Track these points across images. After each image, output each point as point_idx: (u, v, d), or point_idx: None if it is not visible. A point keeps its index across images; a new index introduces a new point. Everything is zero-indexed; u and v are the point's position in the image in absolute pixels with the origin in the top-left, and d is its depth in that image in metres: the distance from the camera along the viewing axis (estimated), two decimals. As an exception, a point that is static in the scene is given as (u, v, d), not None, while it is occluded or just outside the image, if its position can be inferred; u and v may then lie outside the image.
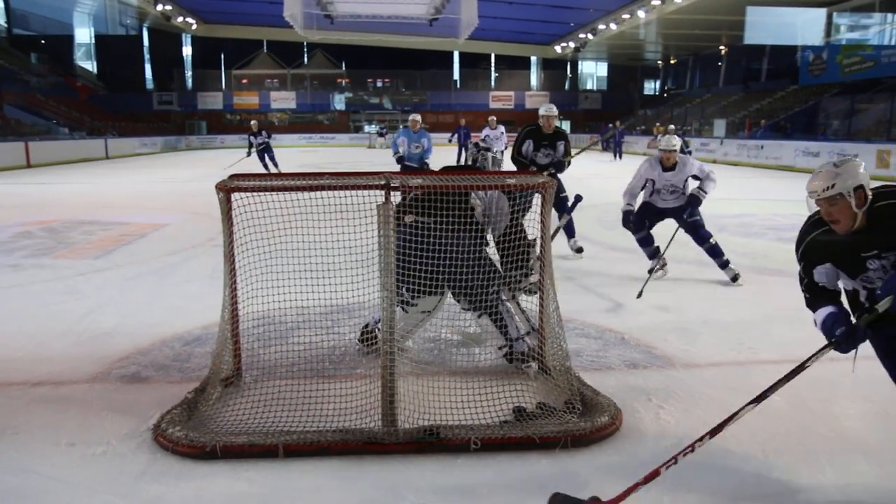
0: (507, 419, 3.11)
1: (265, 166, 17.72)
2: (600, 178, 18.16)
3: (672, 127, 21.69)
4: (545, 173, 5.67)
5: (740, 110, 34.73)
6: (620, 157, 27.32)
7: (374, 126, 45.94)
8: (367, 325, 4.13)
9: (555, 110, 7.34)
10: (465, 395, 3.21)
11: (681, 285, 6.00)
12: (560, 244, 6.77)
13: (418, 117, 10.52)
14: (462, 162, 21.72)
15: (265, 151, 17.89)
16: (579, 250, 7.32)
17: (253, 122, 18.68)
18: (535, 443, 2.91)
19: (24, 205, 12.35)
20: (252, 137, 17.95)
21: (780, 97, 33.71)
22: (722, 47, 41.91)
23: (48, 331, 4.64)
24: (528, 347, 3.81)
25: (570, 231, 7.29)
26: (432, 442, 2.90)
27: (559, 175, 6.93)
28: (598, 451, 2.93)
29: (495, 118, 16.04)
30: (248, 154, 18.12)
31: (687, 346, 4.29)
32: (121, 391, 3.59)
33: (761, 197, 13.49)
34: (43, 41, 46.66)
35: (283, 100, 49.95)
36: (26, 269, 6.70)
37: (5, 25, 44.60)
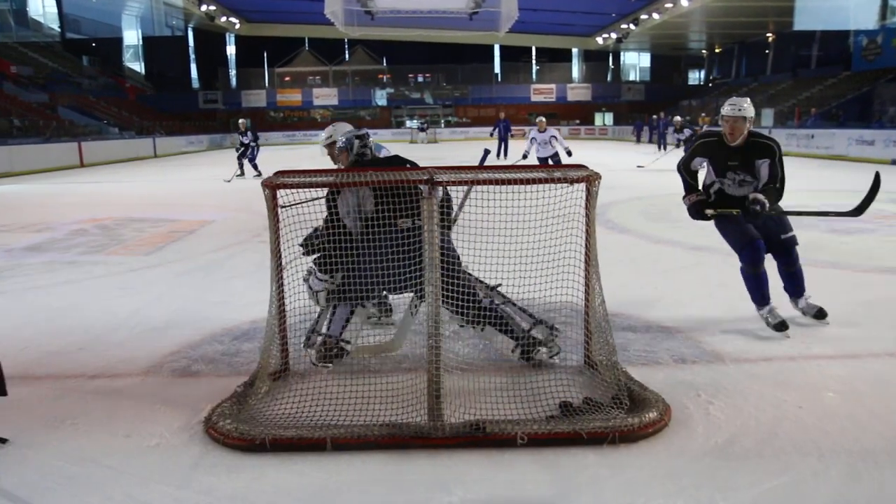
0: (554, 414, 3.09)
1: (240, 166, 17.12)
2: (645, 170, 17.92)
3: (678, 118, 21.04)
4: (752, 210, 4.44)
5: (789, 99, 33.89)
6: (665, 148, 26.81)
7: (415, 121, 46.03)
8: (317, 335, 3.85)
9: (746, 107, 4.43)
10: (511, 390, 3.21)
11: (730, 278, 5.89)
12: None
13: (543, 118, 10.90)
14: (504, 156, 21.68)
15: (246, 152, 17.29)
16: None
17: (241, 121, 17.91)
18: (581, 438, 2.89)
19: (79, 203, 12.70)
20: (242, 137, 17.40)
21: (832, 84, 32.82)
22: (769, 34, 40.94)
23: (103, 325, 4.76)
24: (535, 341, 3.80)
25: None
26: (478, 437, 2.90)
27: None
28: (647, 447, 2.89)
29: (544, 119, 14.41)
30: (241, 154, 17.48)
31: (737, 340, 4.21)
32: (172, 384, 3.67)
33: (812, 187, 13.15)
34: (94, 44, 47.91)
35: (325, 96, 50.39)
36: (82, 265, 6.88)
37: (59, 31, 45.90)
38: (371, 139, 4.23)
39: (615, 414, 3.04)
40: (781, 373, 3.68)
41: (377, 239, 3.51)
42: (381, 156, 4.28)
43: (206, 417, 3.15)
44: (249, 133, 17.52)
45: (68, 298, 5.61)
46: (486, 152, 5.99)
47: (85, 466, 2.79)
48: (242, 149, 17.51)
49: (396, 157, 4.21)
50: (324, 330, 3.86)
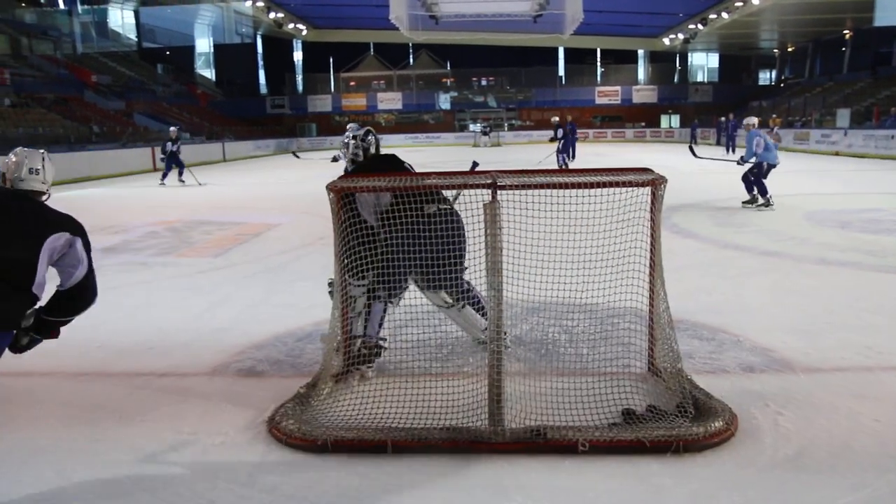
0: (616, 421, 3.04)
1: (164, 175, 17.38)
2: (712, 173, 17.50)
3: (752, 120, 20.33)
4: None
5: (867, 98, 32.58)
6: (734, 150, 26.08)
7: (478, 124, 46.08)
8: (364, 339, 3.82)
9: None
10: (573, 396, 3.17)
11: (801, 285, 5.70)
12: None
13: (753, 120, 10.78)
14: (571, 159, 21.58)
15: (173, 161, 17.24)
16: None
17: (172, 129, 18.05)
18: (645, 446, 2.83)
19: (151, 206, 13.15)
20: (170, 145, 17.20)
21: (914, 82, 31.38)
22: (846, 31, 39.44)
23: (172, 325, 4.91)
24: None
25: None
26: (539, 442, 2.87)
27: None
28: (713, 457, 2.81)
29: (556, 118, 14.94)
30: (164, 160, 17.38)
31: (808, 348, 4.06)
32: (238, 384, 3.76)
33: (891, 190, 12.62)
34: (168, 52, 49.63)
35: (390, 101, 50.88)
36: (153, 266, 7.12)
37: (136, 40, 47.76)
38: (371, 137, 4.27)
39: (679, 422, 2.97)
40: (856, 384, 3.54)
41: (400, 229, 3.58)
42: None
43: (269, 417, 3.21)
44: (180, 141, 17.68)
45: (141, 298, 5.81)
46: (475, 164, 5.60)
47: (153, 463, 2.88)
48: (168, 155, 17.29)
49: (392, 156, 4.23)
50: (360, 332, 3.84)
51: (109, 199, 15.12)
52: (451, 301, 4.03)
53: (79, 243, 3.04)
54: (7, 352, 2.88)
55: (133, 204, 13.89)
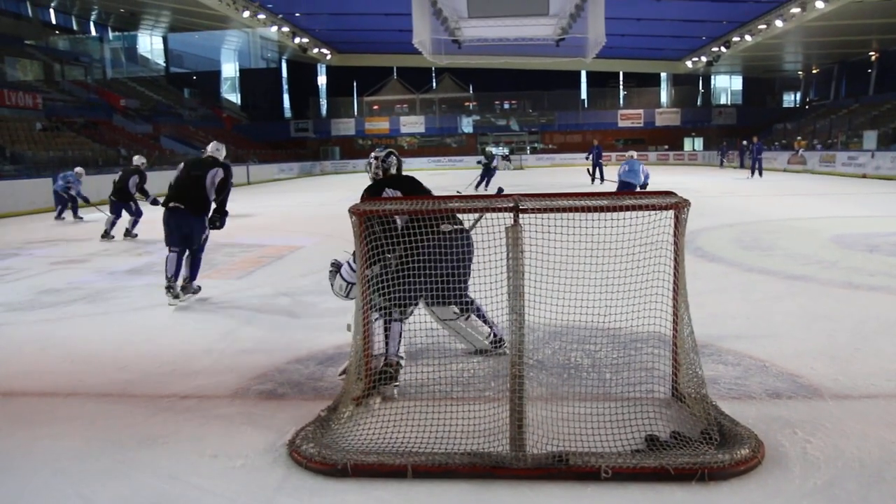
0: (640, 448, 2.99)
1: (59, 213, 15.58)
2: (736, 196, 17.36)
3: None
4: None
5: (894, 120, 32.24)
6: (761, 174, 25.92)
7: (500, 148, 46.26)
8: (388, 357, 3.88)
9: None
10: (596, 422, 3.12)
11: (829, 309, 5.60)
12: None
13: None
14: (600, 181, 21.73)
15: (68, 196, 15.35)
16: None
17: (78, 169, 15.86)
18: (669, 474, 2.78)
19: (176, 229, 13.28)
20: (72, 185, 15.30)
21: (942, 104, 31.03)
22: (872, 53, 39.18)
23: (195, 347, 4.94)
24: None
25: None
26: (561, 468, 2.83)
27: None
28: (739, 485, 2.75)
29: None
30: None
31: (837, 374, 3.98)
32: (259, 406, 3.76)
33: (919, 214, 12.43)
34: (194, 77, 50.56)
35: (413, 124, 51.28)
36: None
37: (164, 65, 48.75)
38: (391, 158, 4.54)
39: (704, 449, 2.91)
40: (889, 412, 3.45)
41: (416, 247, 3.60)
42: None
43: (290, 440, 3.20)
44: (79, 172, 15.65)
45: (164, 320, 5.86)
46: (500, 190, 5.70)
47: (174, 485, 2.88)
48: (65, 188, 15.40)
49: (410, 178, 4.47)
50: (380, 350, 3.85)
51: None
52: (458, 312, 4.20)
53: (221, 173, 6.61)
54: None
55: (157, 226, 13.98)
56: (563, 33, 14.70)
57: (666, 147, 47.30)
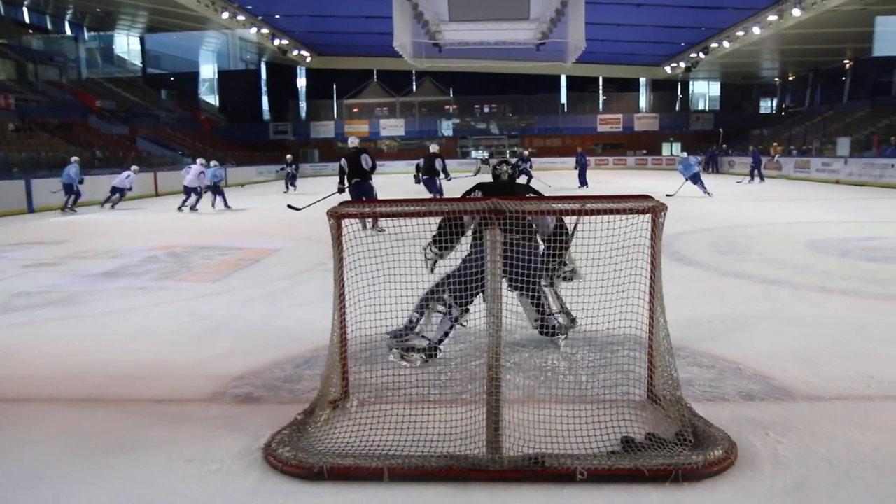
0: (615, 450, 3.01)
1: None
2: (713, 201, 17.53)
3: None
4: None
5: (867, 127, 32.76)
6: (762, 178, 26.33)
7: (481, 151, 46.30)
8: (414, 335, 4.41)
9: None
10: (572, 424, 3.14)
11: (802, 313, 5.68)
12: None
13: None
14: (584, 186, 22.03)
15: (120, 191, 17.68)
16: None
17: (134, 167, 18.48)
18: (643, 475, 2.80)
19: (152, 231, 13.19)
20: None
21: (913, 112, 31.58)
22: (846, 61, 39.79)
23: (170, 350, 4.90)
24: (557, 324, 4.53)
25: None
26: (537, 471, 2.84)
27: None
28: (712, 486, 2.78)
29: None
30: None
31: (809, 377, 4.03)
32: (234, 410, 3.73)
33: (890, 219, 12.63)
34: (172, 78, 50.11)
35: (392, 127, 51.20)
36: (152, 291, 7.12)
37: (141, 66, 48.28)
38: (504, 167, 5.03)
39: (679, 451, 2.94)
40: (857, 413, 3.51)
41: (477, 248, 4.01)
42: None
43: (265, 444, 3.18)
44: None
45: (139, 323, 5.80)
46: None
47: (149, 489, 2.85)
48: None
49: (512, 186, 4.98)
50: (422, 333, 4.36)
51: (109, 224, 15.15)
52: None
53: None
54: None
55: (134, 229, 13.92)
56: (544, 38, 14.77)
57: (644, 152, 47.60)
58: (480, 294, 4.02)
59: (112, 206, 18.82)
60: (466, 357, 4.37)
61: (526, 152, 26.97)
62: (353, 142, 12.23)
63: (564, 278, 4.56)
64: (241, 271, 8.23)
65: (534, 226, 4.44)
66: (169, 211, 17.47)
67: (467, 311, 4.36)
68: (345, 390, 3.69)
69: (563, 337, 4.59)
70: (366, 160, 11.59)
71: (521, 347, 4.53)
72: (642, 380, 3.64)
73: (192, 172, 17.29)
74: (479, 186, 4.80)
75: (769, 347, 4.64)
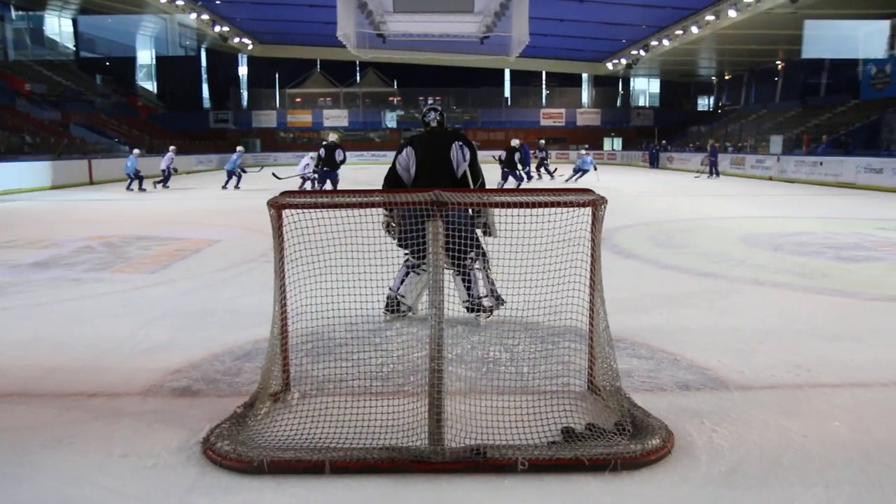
0: (556, 440, 3.05)
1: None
2: (652, 195, 17.93)
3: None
4: None
5: (798, 126, 33.96)
6: (717, 174, 27.18)
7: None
8: (390, 292, 4.94)
9: None
10: (513, 415, 3.17)
11: (736, 305, 5.86)
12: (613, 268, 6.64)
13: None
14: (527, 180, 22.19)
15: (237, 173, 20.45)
16: None
17: (239, 148, 21.51)
18: (583, 464, 2.85)
19: (86, 220, 12.77)
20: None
21: (841, 112, 32.90)
22: (779, 62, 41.16)
23: (105, 343, 4.75)
24: (484, 304, 4.88)
25: None
26: (479, 461, 2.86)
27: None
28: (649, 474, 2.84)
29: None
30: None
31: (742, 367, 4.17)
32: (172, 404, 3.65)
33: (819, 215, 13.12)
34: (107, 63, 48.50)
35: (336, 118, 50.77)
36: (86, 282, 6.90)
37: (73, 49, 46.53)
38: (431, 114, 5.23)
39: (618, 440, 3.00)
40: (787, 401, 3.64)
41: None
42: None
43: (204, 438, 3.12)
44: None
45: (71, 316, 5.61)
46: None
47: (81, 487, 2.77)
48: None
49: (436, 135, 5.16)
50: (393, 288, 4.89)
51: (40, 213, 14.62)
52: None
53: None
54: None
55: (67, 218, 13.45)
56: (488, 31, 14.84)
57: (587, 146, 48.36)
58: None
59: (165, 185, 22.03)
60: (409, 349, 4.37)
61: (542, 141, 27.96)
62: (332, 137, 15.65)
63: (483, 231, 4.74)
64: (179, 262, 8.05)
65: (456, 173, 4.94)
66: (105, 200, 16.94)
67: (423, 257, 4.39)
68: (286, 383, 3.64)
69: (487, 316, 4.92)
70: (339, 154, 14.93)
71: (463, 339, 4.55)
72: (583, 371, 3.69)
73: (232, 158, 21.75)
74: (410, 141, 5.13)
75: (705, 339, 4.78)
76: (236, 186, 21.47)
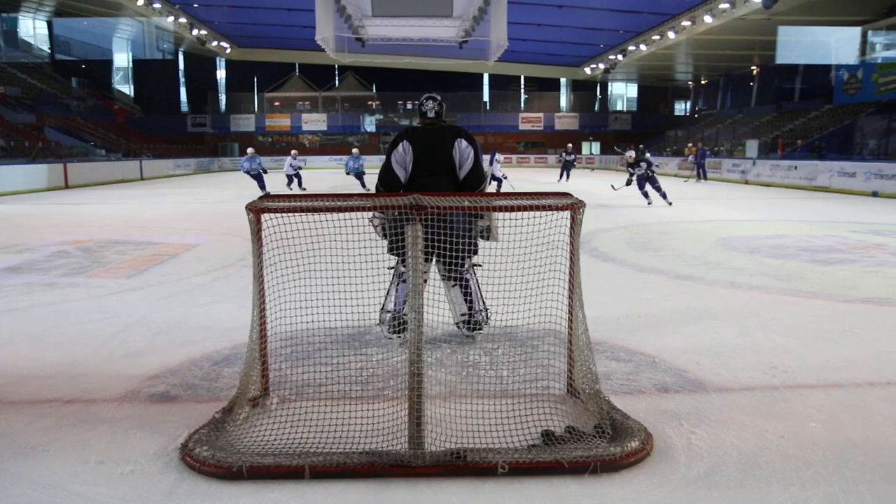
0: (536, 443, 3.06)
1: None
2: (630, 198, 18.03)
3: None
4: None
5: (773, 130, 34.41)
6: (705, 177, 27.43)
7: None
8: (392, 313, 4.53)
9: None
10: (493, 418, 3.18)
11: (714, 308, 5.91)
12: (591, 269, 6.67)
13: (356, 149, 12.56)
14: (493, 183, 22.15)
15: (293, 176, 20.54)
16: None
17: (293, 151, 21.35)
18: (563, 467, 2.86)
19: (62, 224, 12.61)
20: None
21: (814, 117, 33.38)
22: (754, 67, 41.69)
23: (81, 349, 4.69)
24: (483, 318, 4.58)
25: None
26: (459, 465, 2.86)
27: None
28: (629, 476, 2.86)
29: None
30: None
31: (720, 369, 4.21)
32: (150, 410, 3.61)
33: (794, 218, 13.29)
34: (83, 66, 48.00)
35: (315, 122, 50.62)
36: (61, 287, 6.81)
37: (48, 52, 45.98)
38: (429, 102, 4.79)
39: (597, 443, 3.01)
40: (763, 402, 3.68)
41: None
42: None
43: (182, 444, 3.09)
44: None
45: (46, 321, 5.53)
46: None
47: (55, 494, 2.73)
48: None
49: (433, 130, 4.71)
50: (390, 307, 4.53)
51: (13, 217, 14.42)
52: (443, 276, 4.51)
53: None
54: None
55: (41, 222, 13.28)
56: (467, 36, 14.88)
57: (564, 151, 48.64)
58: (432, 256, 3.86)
59: (301, 186, 21.63)
60: (388, 353, 4.36)
61: (570, 145, 28.61)
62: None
63: (480, 234, 4.43)
64: (156, 267, 7.97)
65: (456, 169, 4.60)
66: (80, 204, 16.74)
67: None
68: (265, 388, 3.62)
69: (481, 331, 4.66)
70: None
71: (442, 343, 4.55)
72: (562, 374, 3.71)
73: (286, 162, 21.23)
74: (406, 134, 4.65)
75: (683, 341, 4.82)
76: (300, 186, 21.45)
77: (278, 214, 3.41)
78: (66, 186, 23.62)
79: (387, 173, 4.63)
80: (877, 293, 6.36)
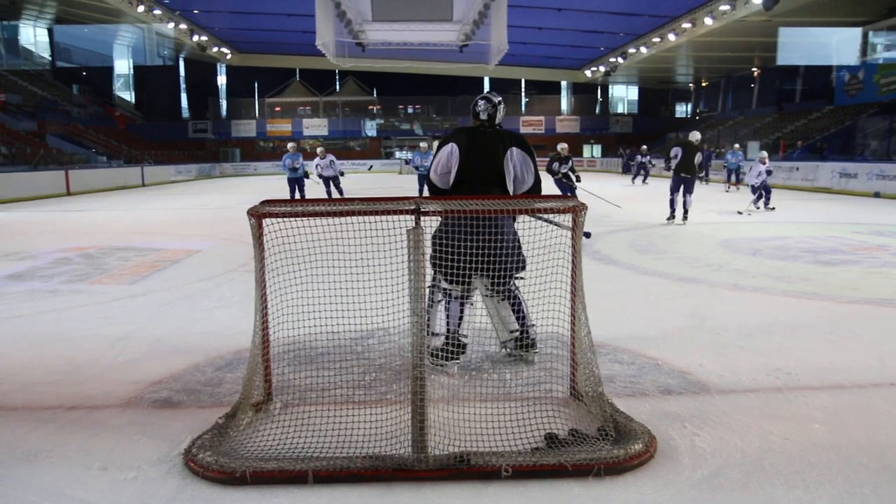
0: (539, 446, 3.06)
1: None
2: (633, 201, 18.04)
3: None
4: None
5: (774, 132, 34.40)
6: (707, 181, 27.41)
7: (405, 152, 46.39)
8: (445, 335, 4.06)
9: None
10: (496, 422, 3.17)
11: (716, 310, 5.90)
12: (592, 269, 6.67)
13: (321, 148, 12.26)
14: None
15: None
16: None
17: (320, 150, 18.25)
18: (567, 470, 2.85)
19: (64, 231, 12.63)
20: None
21: (816, 118, 33.37)
22: (754, 69, 41.69)
23: (83, 355, 4.70)
24: (535, 334, 4.15)
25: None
26: (463, 469, 2.86)
27: None
28: (632, 479, 2.86)
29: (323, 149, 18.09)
30: None
31: (723, 371, 4.20)
32: (153, 416, 3.61)
33: (797, 219, 13.28)
34: (84, 73, 48.11)
35: (316, 127, 50.67)
36: (64, 294, 6.81)
37: (49, 59, 46.08)
38: (481, 102, 4.40)
39: (601, 446, 3.01)
40: (767, 404, 3.67)
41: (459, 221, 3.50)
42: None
43: (185, 449, 3.09)
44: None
45: (49, 328, 5.54)
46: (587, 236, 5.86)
47: (58, 501, 2.73)
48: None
49: (479, 133, 4.31)
50: (441, 330, 4.06)
51: (16, 224, 14.44)
52: (490, 291, 4.09)
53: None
54: None
55: (44, 229, 13.29)
56: (467, 39, 14.90)
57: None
58: (473, 267, 3.57)
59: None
60: (391, 357, 4.36)
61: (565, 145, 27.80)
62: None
63: (550, 223, 4.02)
64: (159, 273, 7.98)
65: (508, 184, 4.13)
66: (82, 211, 16.77)
67: (469, 283, 3.93)
68: (268, 393, 3.62)
69: (536, 350, 4.23)
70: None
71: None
72: (565, 377, 3.71)
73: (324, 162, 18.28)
74: (453, 136, 4.23)
75: (686, 343, 4.81)
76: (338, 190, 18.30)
77: (280, 219, 3.41)
78: (68, 193, 23.65)
79: (429, 180, 4.33)
80: (880, 294, 6.35)
